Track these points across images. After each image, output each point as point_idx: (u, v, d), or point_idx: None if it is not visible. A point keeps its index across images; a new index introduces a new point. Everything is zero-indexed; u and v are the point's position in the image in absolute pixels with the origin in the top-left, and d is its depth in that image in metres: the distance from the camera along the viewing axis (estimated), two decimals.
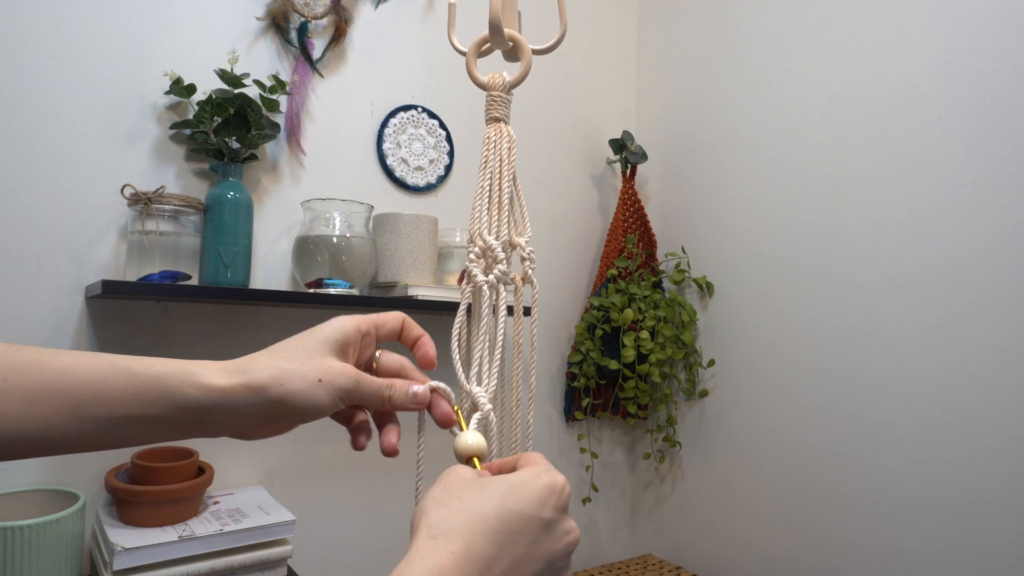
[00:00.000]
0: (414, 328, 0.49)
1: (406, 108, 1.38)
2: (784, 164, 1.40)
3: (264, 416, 0.41)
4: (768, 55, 1.45)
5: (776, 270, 1.40)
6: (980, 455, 1.06)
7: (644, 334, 1.47)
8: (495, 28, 0.55)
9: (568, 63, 1.67)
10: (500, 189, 0.54)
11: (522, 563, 0.37)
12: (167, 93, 1.11)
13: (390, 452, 0.46)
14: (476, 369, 0.49)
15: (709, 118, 1.58)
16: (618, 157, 1.66)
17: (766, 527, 1.38)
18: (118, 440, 0.39)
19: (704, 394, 1.54)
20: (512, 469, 0.43)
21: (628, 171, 1.64)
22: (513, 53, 0.59)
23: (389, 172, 1.36)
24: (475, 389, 0.48)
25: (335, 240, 1.15)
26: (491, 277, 0.52)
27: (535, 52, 0.57)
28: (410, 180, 1.38)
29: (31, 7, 1.02)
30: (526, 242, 0.55)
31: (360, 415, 0.47)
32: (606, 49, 1.76)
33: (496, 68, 0.58)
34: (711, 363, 1.52)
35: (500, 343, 0.50)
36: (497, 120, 0.55)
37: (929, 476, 1.12)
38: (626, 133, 1.64)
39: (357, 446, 0.46)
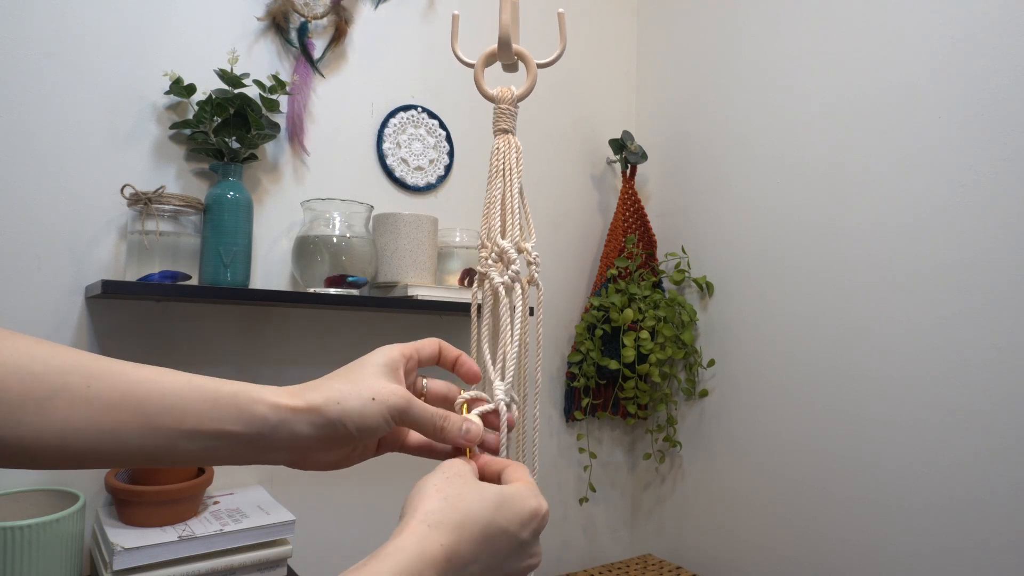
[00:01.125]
0: (450, 350, 0.51)
1: (406, 108, 1.38)
2: (784, 164, 1.40)
3: (323, 438, 0.42)
4: (768, 55, 1.45)
5: (776, 270, 1.40)
6: (980, 455, 1.06)
7: (644, 334, 1.47)
8: (504, 44, 0.58)
9: (568, 63, 1.67)
10: (511, 197, 0.56)
11: (489, 572, 0.40)
12: (167, 93, 1.11)
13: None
14: (500, 366, 0.52)
15: (709, 118, 1.58)
16: (618, 157, 1.66)
17: (766, 527, 1.38)
18: (178, 456, 0.39)
19: (704, 394, 1.54)
20: (498, 473, 0.45)
21: (628, 171, 1.64)
22: (513, 65, 0.61)
23: (389, 172, 1.36)
24: (497, 384, 0.51)
25: (335, 240, 1.15)
26: (506, 278, 0.55)
27: (538, 66, 0.60)
28: (410, 180, 1.38)
29: (31, 7, 1.02)
30: (532, 247, 0.58)
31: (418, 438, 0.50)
32: (606, 49, 1.76)
33: (497, 77, 0.60)
34: (711, 363, 1.52)
35: (516, 342, 0.53)
36: (505, 132, 0.58)
37: (929, 476, 1.12)
38: (626, 133, 1.64)
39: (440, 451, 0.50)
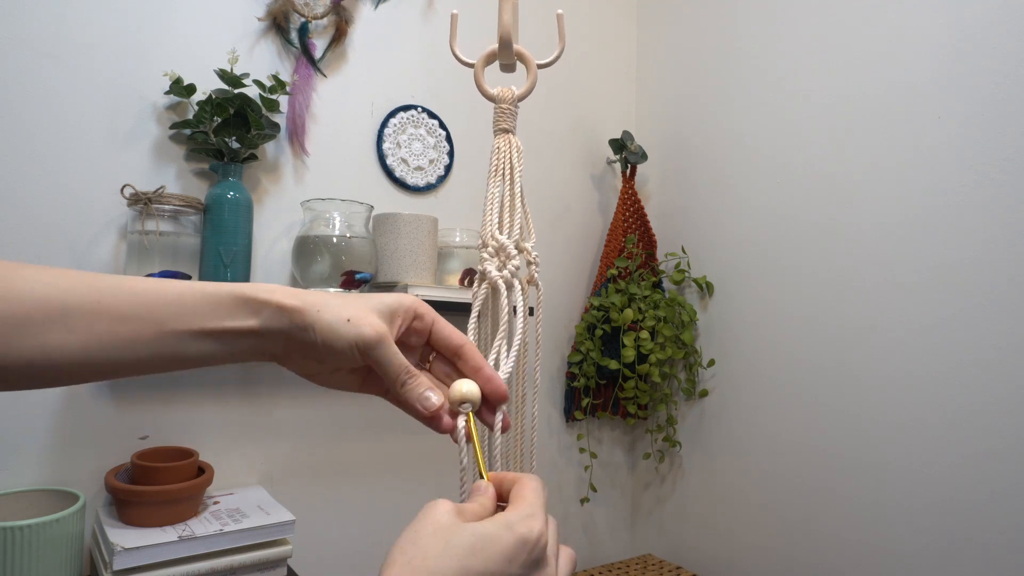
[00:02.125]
0: (475, 356, 0.47)
1: (406, 108, 1.38)
2: (784, 164, 1.40)
3: (297, 339, 0.43)
4: (768, 55, 1.45)
5: (776, 270, 1.40)
6: (980, 455, 1.06)
7: (644, 334, 1.47)
8: (505, 44, 0.58)
9: (568, 63, 1.67)
10: (512, 195, 0.57)
11: None
12: (167, 93, 1.11)
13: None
14: (493, 359, 0.51)
15: (709, 118, 1.58)
16: (618, 157, 1.66)
17: (766, 527, 1.38)
18: (188, 356, 0.42)
19: (704, 394, 1.54)
20: (507, 491, 0.41)
21: (628, 171, 1.64)
22: (511, 65, 0.61)
23: (389, 172, 1.36)
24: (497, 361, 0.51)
25: (335, 240, 1.15)
26: (505, 273, 0.54)
27: (537, 67, 0.60)
28: (410, 180, 1.38)
29: (31, 7, 1.02)
30: (531, 247, 0.58)
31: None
32: (606, 49, 1.76)
33: (496, 77, 0.60)
34: (711, 363, 1.52)
35: (518, 336, 0.52)
36: (506, 131, 0.58)
37: (929, 476, 1.12)
38: (626, 133, 1.64)
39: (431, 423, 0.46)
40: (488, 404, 0.46)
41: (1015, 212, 1.04)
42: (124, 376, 0.42)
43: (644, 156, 1.64)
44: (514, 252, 0.55)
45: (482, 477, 0.43)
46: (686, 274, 1.58)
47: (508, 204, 0.56)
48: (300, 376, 0.46)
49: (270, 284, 0.44)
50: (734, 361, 1.48)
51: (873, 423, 1.20)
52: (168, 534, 0.91)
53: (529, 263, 0.58)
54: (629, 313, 1.47)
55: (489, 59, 0.60)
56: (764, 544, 1.38)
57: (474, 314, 0.54)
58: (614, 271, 1.56)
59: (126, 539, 0.89)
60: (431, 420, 0.45)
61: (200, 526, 0.95)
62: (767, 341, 1.41)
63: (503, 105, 0.58)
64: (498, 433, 0.47)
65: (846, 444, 1.24)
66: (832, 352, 1.28)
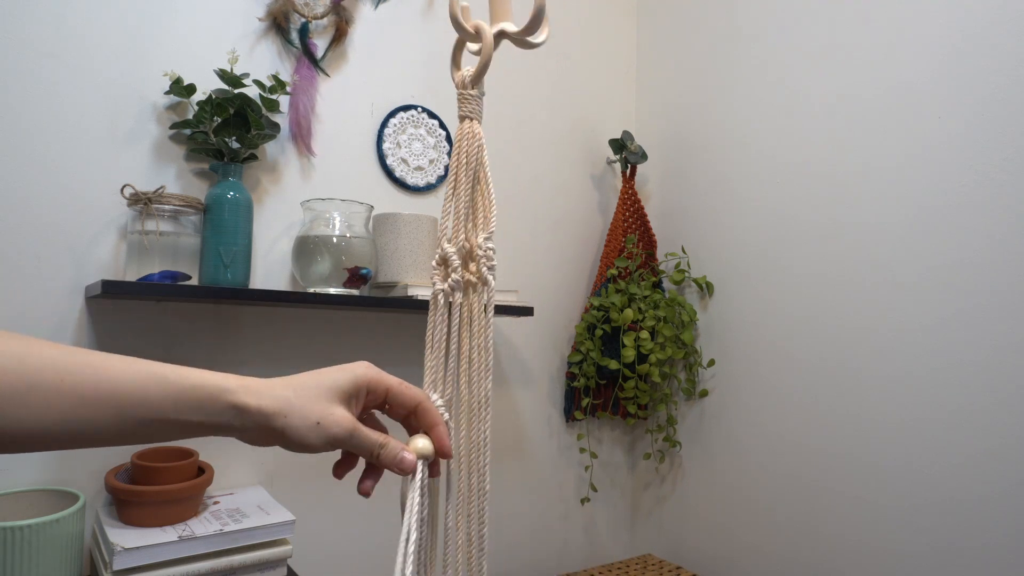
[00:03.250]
0: (430, 414, 0.51)
1: (406, 108, 1.38)
2: (784, 164, 1.40)
3: (267, 438, 0.46)
4: (768, 55, 1.45)
5: (776, 270, 1.40)
6: (980, 455, 1.06)
7: (644, 334, 1.47)
8: (453, 19, 0.55)
9: (568, 63, 1.67)
10: (457, 193, 0.54)
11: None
12: (167, 93, 1.11)
13: (363, 494, 0.51)
14: (431, 377, 0.51)
15: (709, 118, 1.58)
16: (618, 157, 1.66)
17: (766, 527, 1.38)
18: (149, 437, 0.44)
19: (704, 394, 1.54)
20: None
21: (628, 171, 1.64)
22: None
23: (389, 172, 1.36)
24: (433, 397, 0.51)
25: (335, 240, 1.15)
26: (447, 285, 0.53)
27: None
28: (410, 180, 1.38)
29: (31, 7, 1.02)
30: (484, 240, 0.55)
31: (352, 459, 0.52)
32: (606, 49, 1.76)
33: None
34: (711, 363, 1.52)
35: (454, 349, 0.52)
36: (466, 118, 0.55)
37: (929, 476, 1.12)
38: (626, 133, 1.64)
39: (360, 488, 0.51)
40: (437, 456, 0.51)
41: (1015, 212, 1.04)
42: (81, 447, 0.42)
43: (644, 156, 1.64)
44: (457, 263, 0.53)
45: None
46: (686, 274, 1.58)
47: (463, 200, 0.54)
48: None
49: (235, 377, 0.46)
50: (734, 361, 1.48)
51: (873, 423, 1.20)
52: (168, 534, 0.91)
53: (479, 257, 0.55)
54: (629, 313, 1.47)
55: (463, 44, 0.57)
56: (764, 544, 1.38)
57: (430, 324, 0.54)
58: (614, 271, 1.56)
59: (126, 539, 0.89)
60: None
61: (200, 526, 0.95)
62: (767, 341, 1.41)
63: (459, 90, 0.55)
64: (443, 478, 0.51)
65: (846, 444, 1.24)
66: (832, 352, 1.28)
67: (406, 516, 0.47)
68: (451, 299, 0.53)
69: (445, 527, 0.54)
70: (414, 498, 0.47)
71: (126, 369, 0.43)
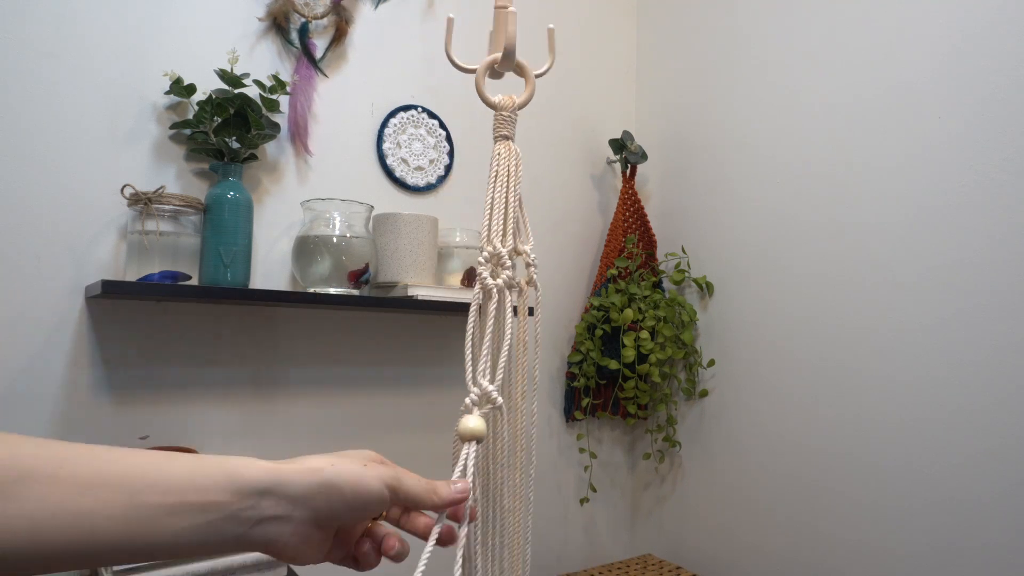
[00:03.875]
0: (440, 498, 0.46)
1: (406, 108, 1.38)
2: (784, 164, 1.40)
3: (316, 505, 0.40)
4: (768, 55, 1.45)
5: (776, 270, 1.40)
6: (980, 455, 1.06)
7: (644, 334, 1.47)
8: (509, 55, 0.60)
9: (568, 63, 1.67)
10: (507, 203, 0.58)
11: None
12: (167, 93, 1.11)
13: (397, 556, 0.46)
14: (483, 365, 0.53)
15: (709, 118, 1.58)
16: (618, 157, 1.66)
17: (766, 527, 1.38)
18: (161, 539, 0.35)
19: (704, 394, 1.54)
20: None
21: (628, 171, 1.64)
22: (500, 72, 0.63)
23: (389, 172, 1.36)
24: (484, 383, 0.52)
25: (335, 240, 1.15)
26: (499, 281, 0.56)
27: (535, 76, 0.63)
28: (410, 180, 1.38)
29: (31, 7, 1.02)
30: (530, 249, 0.60)
31: (384, 530, 0.47)
32: (606, 49, 1.76)
33: (488, 83, 0.62)
34: (711, 363, 1.52)
35: (507, 342, 0.55)
36: (506, 138, 0.60)
37: (929, 476, 1.12)
38: (626, 133, 1.64)
39: (388, 549, 0.46)
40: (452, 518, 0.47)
41: (1015, 212, 1.04)
42: (78, 567, 0.34)
43: (644, 156, 1.64)
44: (508, 261, 0.57)
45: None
46: (686, 274, 1.58)
47: (506, 210, 0.58)
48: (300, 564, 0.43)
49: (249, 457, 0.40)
50: (734, 361, 1.48)
51: (873, 423, 1.20)
52: None
53: (528, 265, 0.60)
54: (629, 313, 1.47)
55: (490, 66, 0.62)
56: (764, 544, 1.38)
57: (472, 316, 0.57)
58: (614, 271, 1.56)
59: None
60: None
61: None
62: (767, 341, 1.41)
63: (504, 113, 0.60)
64: (468, 517, 0.48)
65: (846, 444, 1.24)
66: (832, 352, 1.28)
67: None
68: (500, 295, 0.57)
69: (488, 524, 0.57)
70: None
71: (135, 452, 0.36)
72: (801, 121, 1.37)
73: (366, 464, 0.42)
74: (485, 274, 0.57)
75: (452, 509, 0.46)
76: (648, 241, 1.63)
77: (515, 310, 0.59)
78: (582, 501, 1.58)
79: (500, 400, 0.52)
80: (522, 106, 0.61)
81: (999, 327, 1.05)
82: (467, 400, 0.51)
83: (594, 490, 1.59)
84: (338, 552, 0.45)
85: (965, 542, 1.07)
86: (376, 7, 1.36)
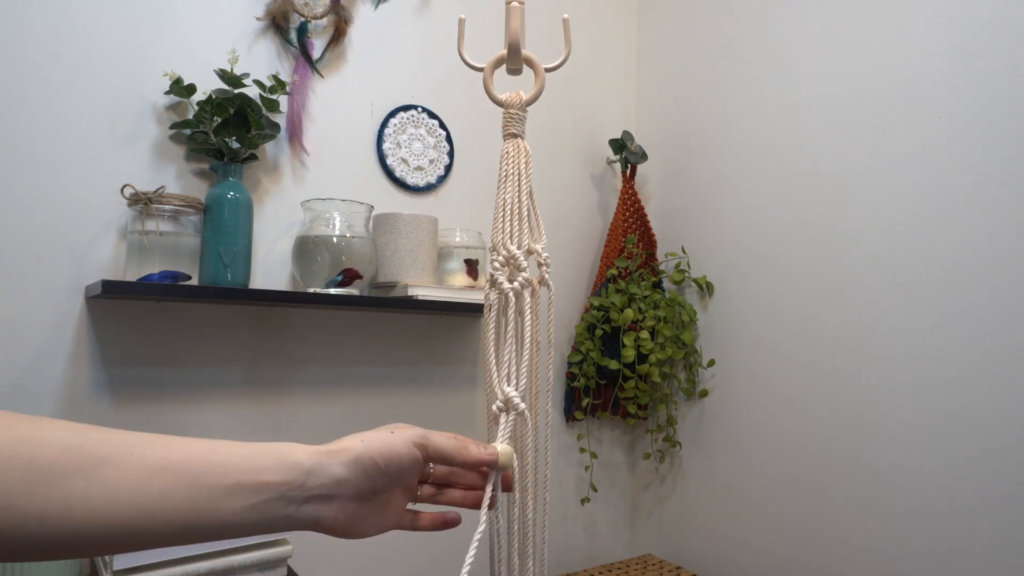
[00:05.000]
0: (469, 454, 0.49)
1: (406, 108, 1.38)
2: (784, 164, 1.40)
3: (356, 481, 0.43)
4: (768, 55, 1.45)
5: (776, 270, 1.40)
6: (980, 455, 1.06)
7: (644, 334, 1.47)
8: (514, 50, 0.59)
9: (569, 64, 1.66)
10: (520, 202, 0.58)
11: None
12: (167, 93, 1.11)
13: (453, 523, 0.50)
14: (507, 370, 0.53)
15: (709, 118, 1.58)
16: (618, 157, 1.66)
17: (766, 527, 1.38)
18: (222, 517, 0.38)
19: (704, 394, 1.54)
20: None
21: (628, 171, 1.64)
22: (517, 69, 0.62)
23: (389, 172, 1.36)
24: (507, 389, 0.52)
25: (335, 240, 1.15)
26: (516, 284, 0.56)
27: (544, 71, 0.61)
28: (410, 180, 1.38)
29: (31, 7, 1.02)
30: (542, 248, 0.59)
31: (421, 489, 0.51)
32: (606, 49, 1.76)
33: (500, 81, 0.60)
34: (711, 363, 1.52)
35: (527, 345, 0.55)
36: (515, 136, 0.59)
37: (929, 476, 1.12)
38: (626, 133, 1.64)
39: (448, 519, 0.51)
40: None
41: (1015, 212, 1.04)
42: (145, 547, 0.37)
43: (644, 156, 1.64)
44: (524, 264, 0.57)
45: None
46: (686, 274, 1.58)
47: (518, 209, 0.58)
48: (359, 538, 0.46)
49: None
50: (734, 361, 1.48)
51: (873, 423, 1.20)
52: None
53: (540, 264, 0.60)
54: (629, 313, 1.47)
55: (497, 64, 0.61)
56: (764, 544, 1.38)
57: (490, 318, 0.56)
58: (614, 271, 1.56)
59: None
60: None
61: None
62: (767, 341, 1.41)
63: (512, 110, 0.59)
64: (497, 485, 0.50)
65: (846, 444, 1.24)
66: (832, 352, 1.28)
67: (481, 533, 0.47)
68: (517, 298, 0.56)
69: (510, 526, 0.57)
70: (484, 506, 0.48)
71: (193, 442, 0.40)
72: (801, 121, 1.37)
73: (393, 431, 0.45)
74: (501, 278, 0.56)
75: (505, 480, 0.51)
76: (648, 241, 1.63)
77: (527, 314, 0.59)
78: (582, 501, 1.58)
79: (523, 406, 0.52)
80: (530, 102, 0.60)
81: (999, 327, 1.05)
82: (493, 408, 0.52)
83: (594, 490, 1.59)
84: (390, 520, 0.48)
85: (965, 542, 1.07)
86: (376, 7, 1.36)
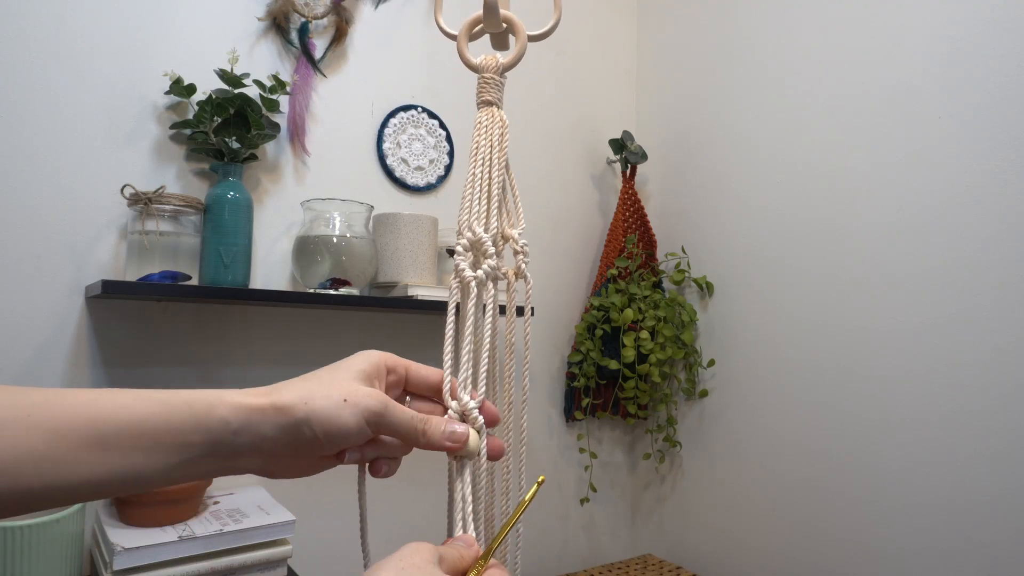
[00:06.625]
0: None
1: (406, 108, 1.38)
2: (784, 164, 1.40)
3: (290, 443, 0.39)
4: (768, 55, 1.45)
5: (776, 270, 1.40)
6: (980, 455, 1.06)
7: (644, 334, 1.47)
8: (491, 7, 0.52)
9: (568, 63, 1.67)
10: (490, 177, 0.50)
11: None
12: (167, 93, 1.11)
13: (378, 475, 0.45)
14: (464, 375, 0.46)
15: (709, 118, 1.58)
16: (618, 157, 1.66)
17: (766, 527, 1.38)
18: (141, 477, 0.36)
19: (704, 394, 1.54)
20: (475, 562, 0.40)
21: (628, 171, 1.64)
22: (503, 40, 0.56)
23: (389, 172, 1.36)
24: (464, 398, 0.45)
25: (335, 240, 1.15)
26: (480, 272, 0.47)
27: (530, 38, 0.54)
28: (410, 180, 1.38)
29: (31, 7, 1.02)
30: (519, 234, 0.51)
31: (380, 455, 0.45)
32: (606, 49, 1.76)
33: (487, 53, 0.55)
34: (711, 363, 1.52)
35: (488, 344, 0.47)
36: (489, 104, 0.52)
37: (929, 476, 1.12)
38: (626, 133, 1.64)
39: (374, 470, 0.45)
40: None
41: (1015, 212, 1.04)
42: (57, 505, 0.35)
43: (644, 156, 1.64)
44: (492, 249, 0.48)
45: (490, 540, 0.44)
46: (686, 274, 1.58)
47: (487, 187, 0.50)
48: (292, 478, 0.42)
49: (228, 390, 0.39)
50: (734, 361, 1.48)
51: (873, 423, 1.20)
52: (168, 534, 0.91)
53: (516, 252, 0.51)
54: (629, 313, 1.47)
55: (473, 26, 0.54)
56: (764, 544, 1.38)
57: (450, 313, 0.48)
58: (614, 271, 1.56)
59: (126, 539, 0.89)
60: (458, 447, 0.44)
61: (200, 526, 0.95)
62: (767, 341, 1.41)
63: (486, 75, 0.52)
64: (483, 457, 0.45)
65: (846, 444, 1.24)
66: (832, 352, 1.28)
67: (456, 510, 0.43)
68: (480, 288, 0.48)
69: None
70: (465, 493, 0.42)
71: (104, 395, 0.36)
72: (801, 121, 1.37)
73: (348, 397, 0.39)
74: (463, 265, 0.47)
75: (491, 448, 0.45)
76: (648, 241, 1.63)
77: (503, 308, 0.51)
78: (582, 501, 1.58)
79: (481, 420, 0.44)
80: (508, 67, 0.52)
81: (999, 327, 1.05)
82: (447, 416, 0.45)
83: (594, 490, 1.59)
84: (329, 464, 0.43)
85: (965, 542, 1.07)
86: (376, 7, 1.36)
